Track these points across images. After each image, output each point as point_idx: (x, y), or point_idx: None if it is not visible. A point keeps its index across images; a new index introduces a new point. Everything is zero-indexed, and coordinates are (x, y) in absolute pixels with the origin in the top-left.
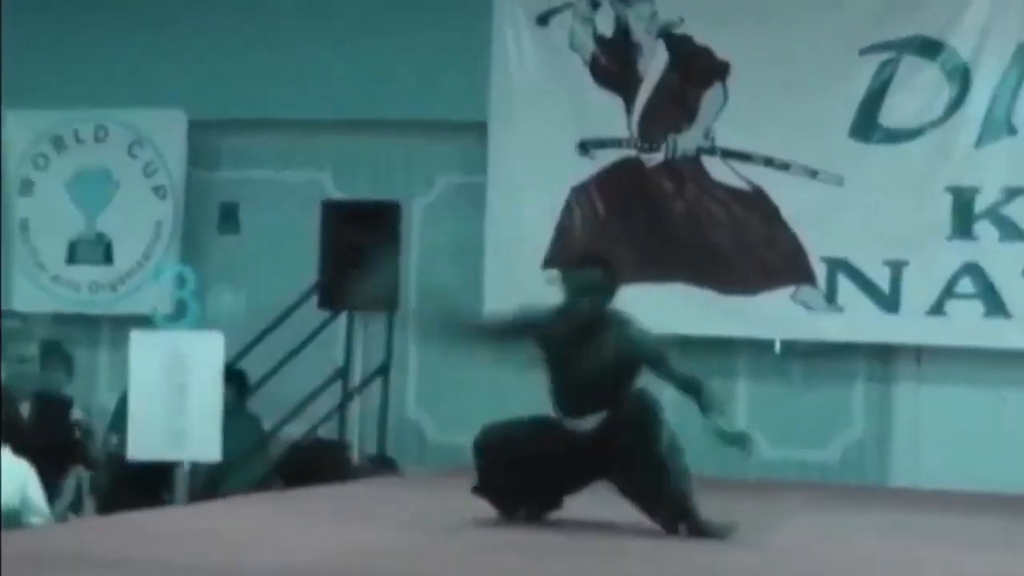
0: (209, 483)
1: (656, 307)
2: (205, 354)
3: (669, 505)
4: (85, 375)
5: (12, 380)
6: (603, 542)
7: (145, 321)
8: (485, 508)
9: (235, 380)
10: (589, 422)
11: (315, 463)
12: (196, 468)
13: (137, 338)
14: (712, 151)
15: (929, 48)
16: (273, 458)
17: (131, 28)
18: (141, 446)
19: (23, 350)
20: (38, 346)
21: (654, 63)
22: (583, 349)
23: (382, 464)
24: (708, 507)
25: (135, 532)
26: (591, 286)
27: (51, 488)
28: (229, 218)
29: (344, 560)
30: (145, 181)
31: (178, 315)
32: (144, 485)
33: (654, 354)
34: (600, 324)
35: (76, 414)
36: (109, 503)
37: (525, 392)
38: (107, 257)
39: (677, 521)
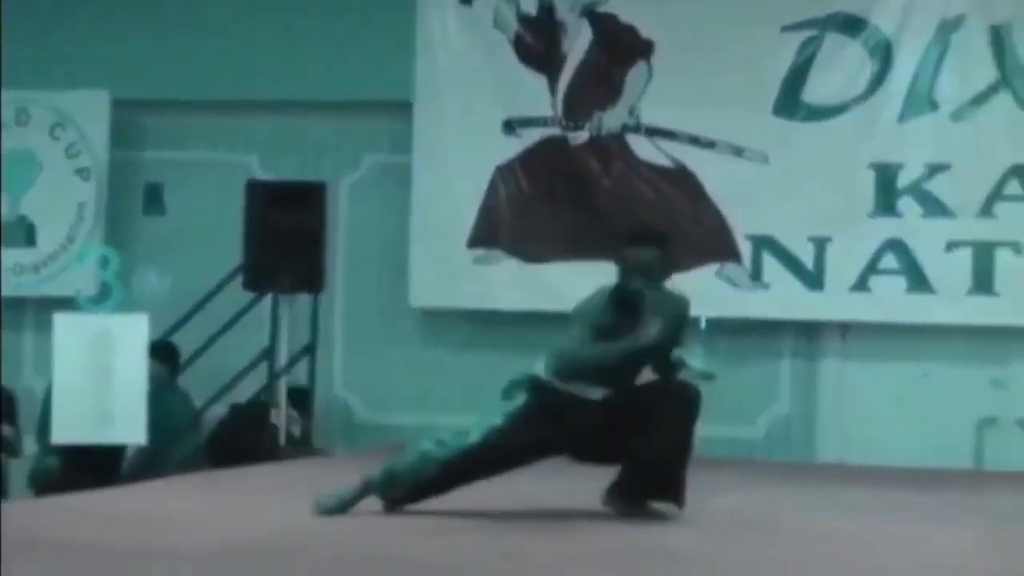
0: (142, 461)
1: (582, 285)
2: (130, 336)
3: (671, 490)
4: (10, 359)
5: None
6: (540, 519)
7: (69, 303)
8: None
9: (166, 354)
10: (597, 392)
11: (241, 436)
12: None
13: (61, 321)
14: (637, 129)
15: (851, 25)
16: (203, 434)
17: (53, 9)
18: (66, 429)
19: None
20: None
21: (578, 41)
22: (628, 329)
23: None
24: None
25: (73, 515)
26: (646, 266)
27: None
28: (154, 199)
29: (280, 539)
30: (68, 163)
31: (102, 297)
32: (95, 467)
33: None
34: (650, 304)
35: None
36: (59, 488)
37: (453, 372)
38: (30, 240)
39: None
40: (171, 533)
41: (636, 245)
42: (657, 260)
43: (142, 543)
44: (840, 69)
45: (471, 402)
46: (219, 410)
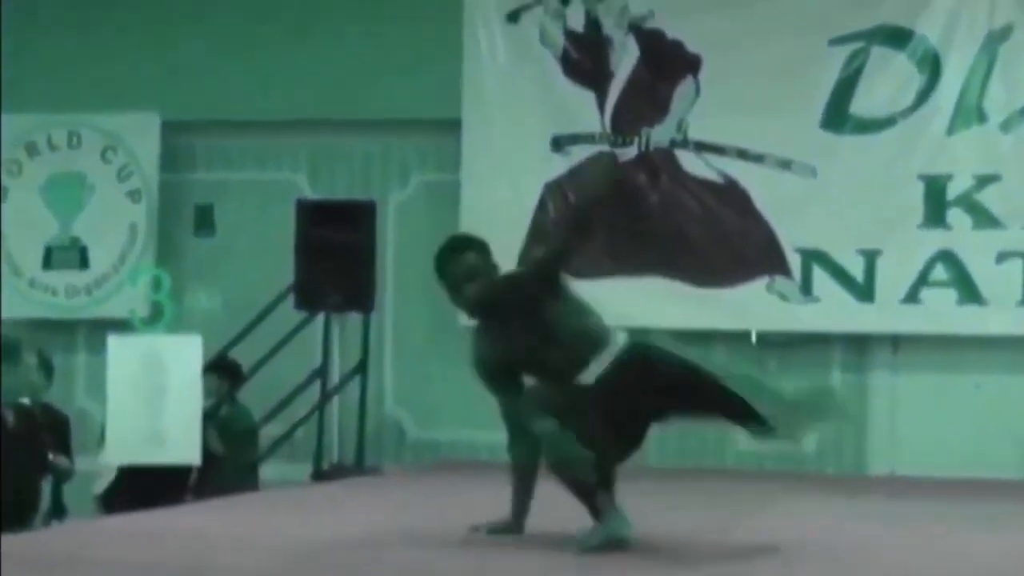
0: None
1: (632, 301)
2: (183, 357)
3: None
4: (63, 380)
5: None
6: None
7: (122, 325)
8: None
9: (228, 370)
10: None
11: None
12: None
13: (115, 342)
14: (685, 144)
15: (898, 37)
16: (262, 450)
17: (103, 32)
18: (120, 450)
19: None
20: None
21: (625, 57)
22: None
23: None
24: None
25: (122, 535)
26: (472, 270)
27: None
28: (204, 220)
29: (337, 555)
30: (119, 185)
31: (155, 318)
32: (160, 487)
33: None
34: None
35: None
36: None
37: None
38: (83, 261)
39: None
40: (217, 552)
41: (455, 255)
42: (480, 264)
43: (188, 563)
44: (888, 81)
45: None
46: (272, 430)
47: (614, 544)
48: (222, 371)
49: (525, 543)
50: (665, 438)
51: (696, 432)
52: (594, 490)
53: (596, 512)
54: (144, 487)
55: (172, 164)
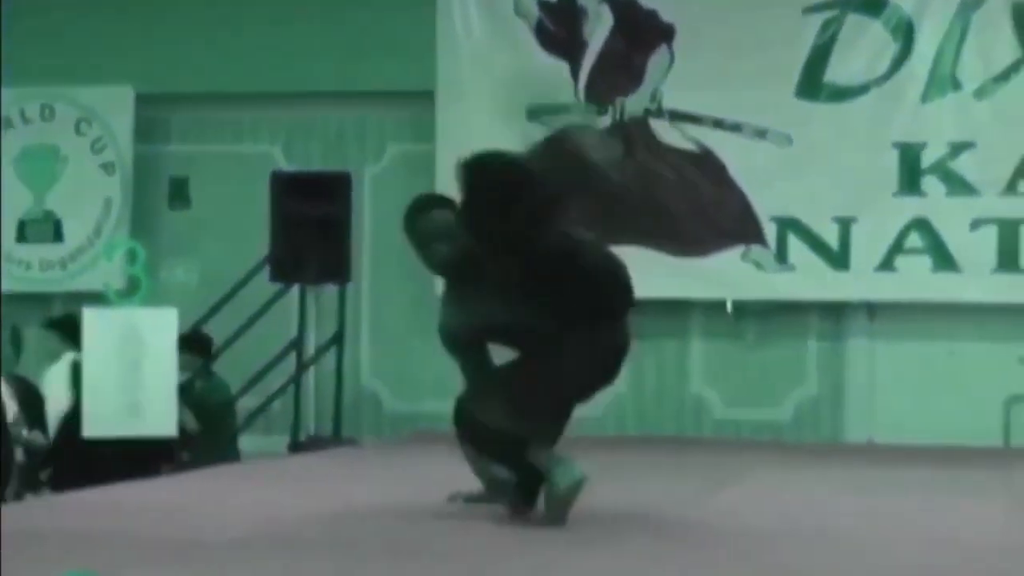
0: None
1: None
2: (159, 329)
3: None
4: (35, 353)
5: None
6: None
7: (97, 298)
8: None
9: (199, 344)
10: None
11: None
12: None
13: (90, 315)
14: (660, 113)
15: (872, 4)
16: (239, 423)
17: (76, 5)
18: (96, 422)
19: None
20: None
21: (599, 27)
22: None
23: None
24: (666, 466)
25: (106, 507)
26: (440, 229)
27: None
28: (179, 193)
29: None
30: (93, 158)
31: (130, 291)
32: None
33: None
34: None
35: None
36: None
37: None
38: (57, 235)
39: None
40: (196, 524)
41: (423, 213)
42: (449, 222)
43: (166, 533)
44: (862, 49)
45: None
46: (249, 402)
47: (575, 490)
48: (193, 345)
49: (500, 512)
50: (643, 406)
51: (674, 400)
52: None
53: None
54: (121, 460)
55: (146, 137)
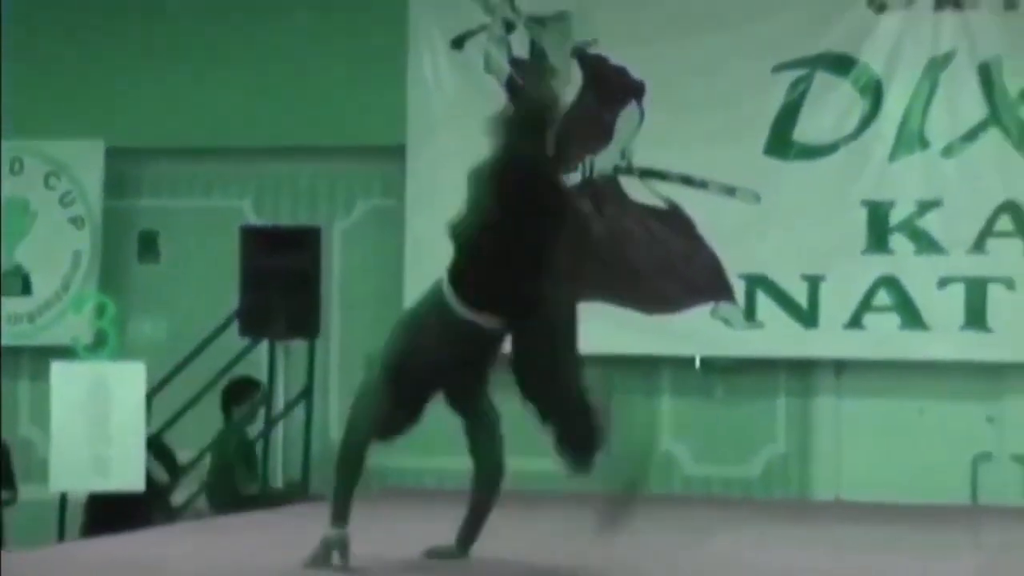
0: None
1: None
2: (127, 384)
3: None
4: (6, 409)
5: None
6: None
7: (66, 352)
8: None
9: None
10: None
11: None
12: None
13: (58, 369)
14: (629, 170)
15: (841, 64)
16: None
17: (47, 58)
18: (63, 477)
19: None
20: None
21: (569, 84)
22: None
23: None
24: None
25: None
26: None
27: None
28: (149, 247)
29: None
30: (62, 211)
31: (98, 345)
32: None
33: None
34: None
35: None
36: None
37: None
38: (25, 288)
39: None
40: None
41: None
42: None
43: None
44: (831, 108)
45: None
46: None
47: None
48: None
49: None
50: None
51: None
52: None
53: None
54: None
55: (116, 191)
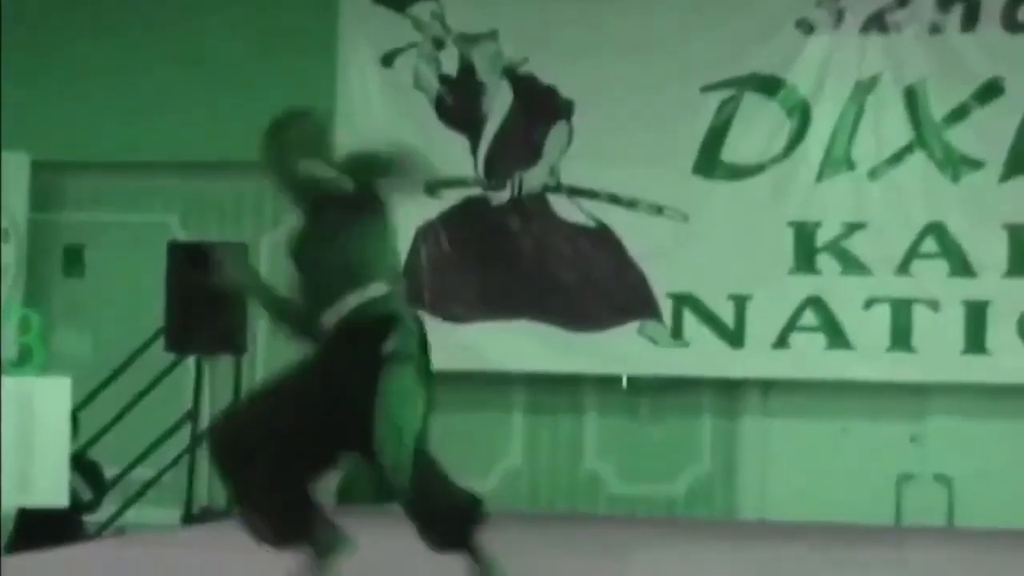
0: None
1: (504, 344)
2: (52, 399)
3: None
4: None
5: None
6: None
7: None
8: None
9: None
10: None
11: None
12: None
13: None
14: (558, 189)
15: (769, 85)
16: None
17: None
18: None
19: None
20: None
21: (499, 102)
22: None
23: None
24: (559, 542)
25: None
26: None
27: None
28: (74, 261)
29: None
30: None
31: (23, 360)
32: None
33: None
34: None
35: None
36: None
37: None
38: None
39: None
40: None
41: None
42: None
43: None
44: (759, 129)
45: None
46: (141, 474)
47: None
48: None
49: None
50: (536, 481)
51: (568, 475)
52: None
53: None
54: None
55: (42, 204)
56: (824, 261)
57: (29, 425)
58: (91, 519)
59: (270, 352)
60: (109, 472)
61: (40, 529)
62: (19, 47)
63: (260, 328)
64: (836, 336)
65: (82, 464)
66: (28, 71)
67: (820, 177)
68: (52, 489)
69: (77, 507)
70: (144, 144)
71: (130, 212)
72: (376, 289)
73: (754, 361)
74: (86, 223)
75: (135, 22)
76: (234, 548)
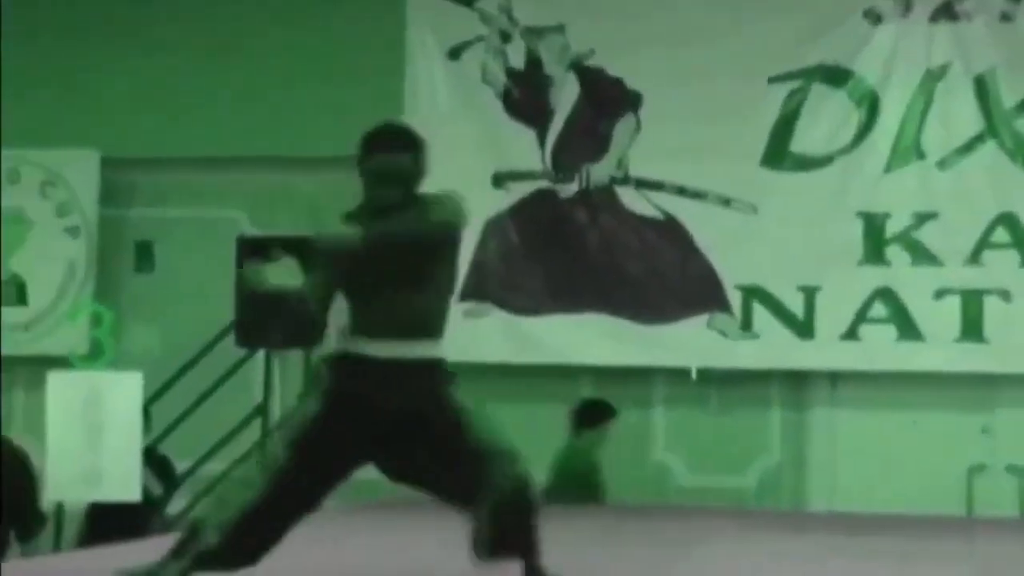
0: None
1: (572, 337)
2: (123, 394)
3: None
4: None
5: None
6: None
7: (62, 362)
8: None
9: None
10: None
11: None
12: None
13: (54, 379)
14: (626, 181)
15: (836, 76)
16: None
17: (42, 69)
18: (59, 487)
19: None
20: None
21: (566, 95)
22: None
23: None
24: (629, 534)
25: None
26: (398, 173)
27: None
28: (144, 256)
29: None
30: (58, 221)
31: (94, 355)
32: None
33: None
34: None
35: None
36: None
37: None
38: (21, 298)
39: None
40: None
41: (382, 152)
42: (412, 167)
43: None
44: (827, 119)
45: None
46: (213, 467)
47: None
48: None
49: None
50: (606, 473)
51: (637, 467)
52: None
53: None
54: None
55: (112, 200)
56: (894, 252)
57: (100, 420)
58: (162, 513)
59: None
60: (180, 466)
61: (111, 523)
62: (87, 43)
63: (331, 321)
64: (906, 327)
65: (153, 458)
66: (98, 67)
67: (889, 167)
68: (123, 483)
69: (148, 501)
70: (213, 140)
71: (199, 207)
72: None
73: (824, 353)
74: (156, 219)
75: (205, 19)
76: (299, 543)
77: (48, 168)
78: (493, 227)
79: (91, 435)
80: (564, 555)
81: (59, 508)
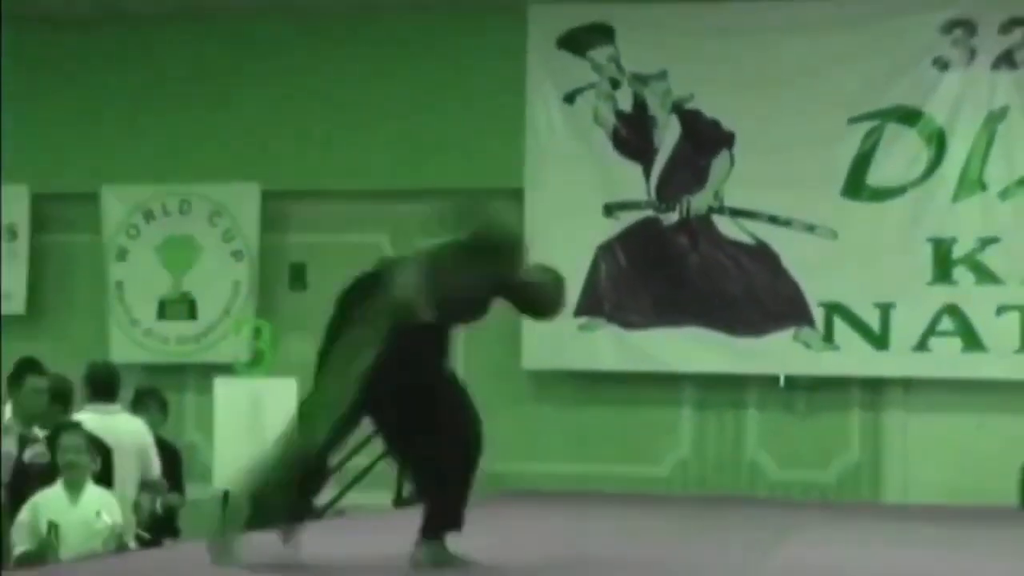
0: None
1: (675, 348)
2: (280, 397)
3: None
4: (174, 417)
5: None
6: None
7: (227, 369)
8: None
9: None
10: None
11: None
12: None
13: (221, 384)
14: (721, 210)
15: (909, 116)
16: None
17: (210, 112)
18: (225, 478)
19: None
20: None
21: (668, 134)
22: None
23: None
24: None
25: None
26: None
27: None
28: (298, 277)
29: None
30: (224, 246)
31: (256, 363)
32: None
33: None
34: None
35: None
36: None
37: (559, 425)
38: (192, 313)
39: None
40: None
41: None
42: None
43: None
44: (900, 155)
45: (575, 452)
46: (359, 461)
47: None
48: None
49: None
50: (705, 469)
51: (733, 463)
52: None
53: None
54: None
55: (270, 227)
56: (960, 272)
57: (261, 419)
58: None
59: (467, 357)
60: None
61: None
62: (248, 95)
63: (458, 335)
64: (971, 339)
65: None
66: (257, 113)
67: (955, 198)
68: None
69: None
70: (359, 175)
71: (346, 233)
72: None
73: (897, 362)
74: (308, 244)
75: (352, 67)
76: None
77: (216, 200)
78: (604, 252)
79: (253, 433)
80: (669, 540)
81: (226, 496)
